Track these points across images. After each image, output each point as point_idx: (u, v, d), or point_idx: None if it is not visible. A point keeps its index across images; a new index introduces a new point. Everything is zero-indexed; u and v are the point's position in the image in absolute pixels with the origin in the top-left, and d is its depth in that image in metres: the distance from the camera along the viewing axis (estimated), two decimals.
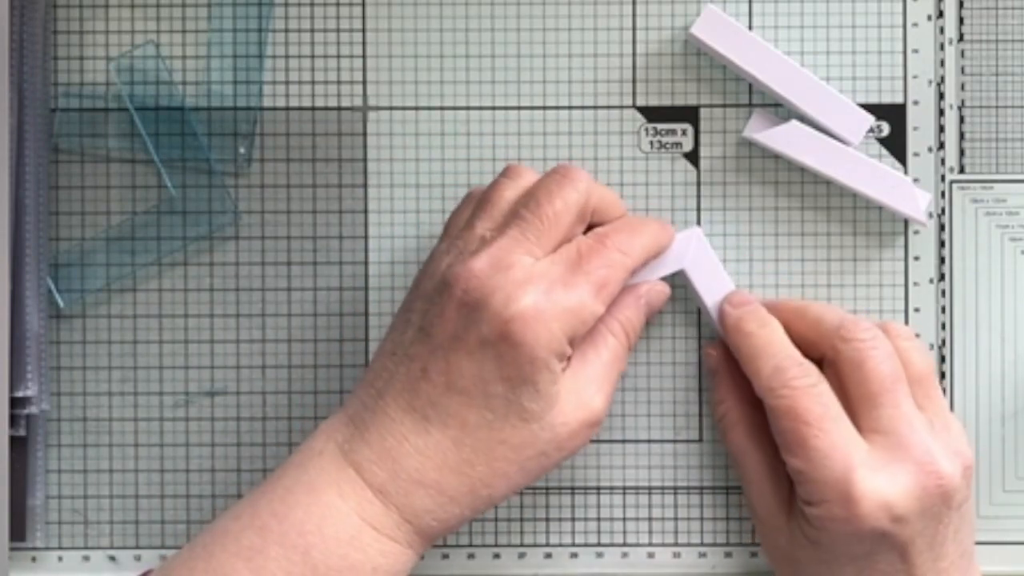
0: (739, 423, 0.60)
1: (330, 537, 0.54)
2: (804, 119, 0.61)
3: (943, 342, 0.63)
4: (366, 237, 0.63)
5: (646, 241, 0.58)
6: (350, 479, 0.54)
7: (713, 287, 0.61)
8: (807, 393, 0.56)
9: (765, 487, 0.59)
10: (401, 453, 0.54)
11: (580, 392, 0.56)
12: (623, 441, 0.63)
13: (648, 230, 0.58)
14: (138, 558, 0.63)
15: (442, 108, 0.63)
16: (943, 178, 0.63)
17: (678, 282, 0.61)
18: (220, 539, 0.54)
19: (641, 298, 0.59)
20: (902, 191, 0.61)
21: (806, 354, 0.58)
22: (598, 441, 0.63)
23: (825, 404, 0.56)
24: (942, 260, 0.63)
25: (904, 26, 0.62)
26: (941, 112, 0.63)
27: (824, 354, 0.58)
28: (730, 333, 0.60)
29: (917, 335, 0.62)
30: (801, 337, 0.59)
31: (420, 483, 0.54)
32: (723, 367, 0.61)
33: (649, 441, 0.63)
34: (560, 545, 0.63)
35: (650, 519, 0.63)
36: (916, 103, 0.63)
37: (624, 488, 0.63)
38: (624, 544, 0.63)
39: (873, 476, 0.55)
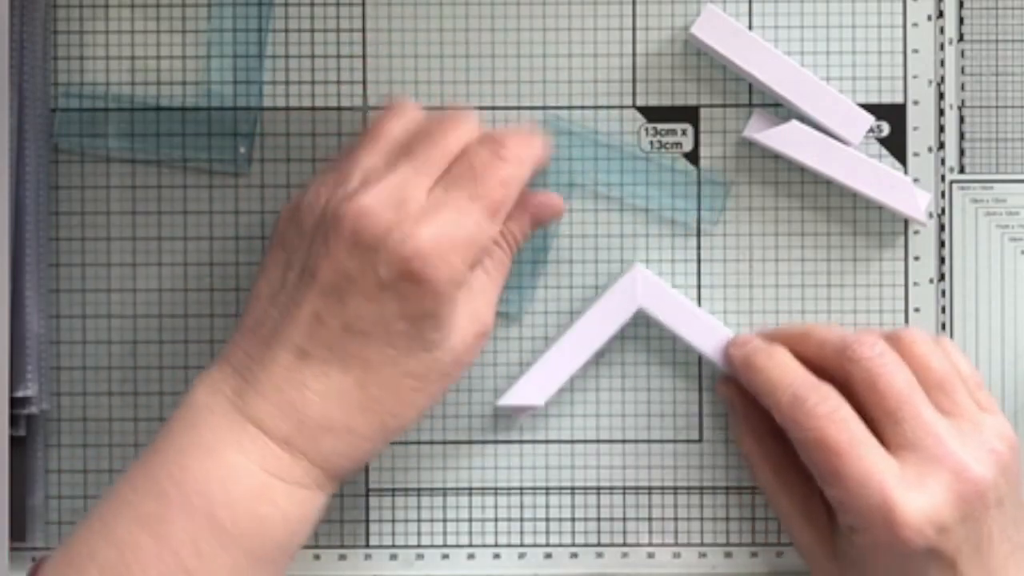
0: (765, 460, 0.60)
1: (235, 495, 0.52)
2: (804, 119, 0.61)
3: None
4: None
5: (536, 149, 0.56)
6: (251, 435, 0.53)
7: (678, 316, 0.61)
8: (831, 420, 0.55)
9: (802, 521, 0.59)
10: (304, 403, 0.53)
11: (471, 306, 0.55)
12: (623, 441, 0.63)
13: (535, 137, 0.57)
14: None
15: (442, 108, 0.63)
16: (943, 178, 0.63)
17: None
18: (117, 509, 0.52)
19: (527, 211, 0.58)
20: (902, 191, 0.61)
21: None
22: (598, 441, 0.63)
23: (851, 429, 0.55)
24: (942, 260, 0.63)
25: (904, 26, 0.62)
26: (941, 112, 0.63)
27: (834, 376, 0.57)
28: (742, 373, 0.59)
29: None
30: (808, 363, 0.58)
31: (328, 428, 0.53)
32: (738, 403, 0.60)
33: (649, 441, 0.63)
34: (560, 545, 0.63)
35: (650, 519, 0.63)
36: (916, 103, 0.63)
37: (624, 488, 0.63)
38: (624, 544, 0.63)
39: (911, 495, 0.54)
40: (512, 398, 0.61)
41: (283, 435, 0.53)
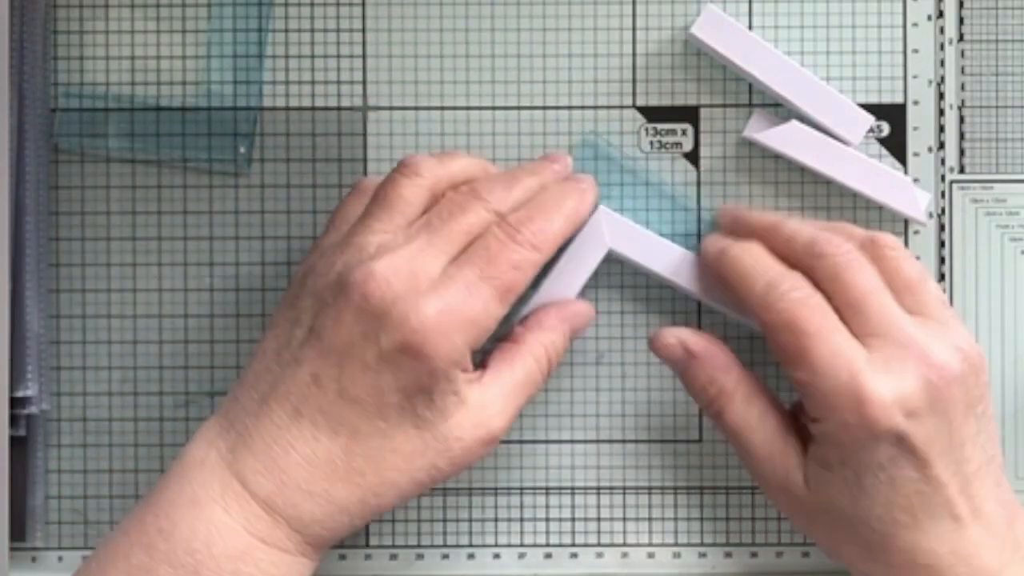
0: (735, 394, 0.58)
1: (219, 555, 0.53)
2: (804, 119, 0.61)
3: None
4: None
5: (561, 225, 0.57)
6: (235, 493, 0.53)
7: (647, 250, 0.61)
8: (803, 304, 0.55)
9: (776, 448, 0.57)
10: (288, 463, 0.53)
11: (483, 409, 0.55)
12: (623, 441, 0.63)
13: (565, 208, 0.57)
14: None
15: (442, 108, 0.63)
16: (943, 178, 0.63)
17: (663, 284, 0.61)
18: (111, 556, 0.53)
19: (566, 321, 0.58)
20: (902, 191, 0.61)
21: None
22: (598, 441, 0.63)
23: (822, 312, 0.55)
24: (942, 260, 0.63)
25: (904, 26, 0.62)
26: (941, 112, 0.63)
27: (802, 272, 0.57)
28: (715, 263, 0.59)
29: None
30: (778, 256, 0.58)
31: (308, 493, 0.53)
32: (698, 345, 0.58)
33: (649, 441, 0.63)
34: (560, 545, 0.63)
35: (650, 519, 0.63)
36: (916, 103, 0.63)
37: (624, 488, 0.63)
38: (624, 544, 0.63)
39: (879, 376, 0.54)
40: None
41: (265, 495, 0.53)
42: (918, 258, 0.63)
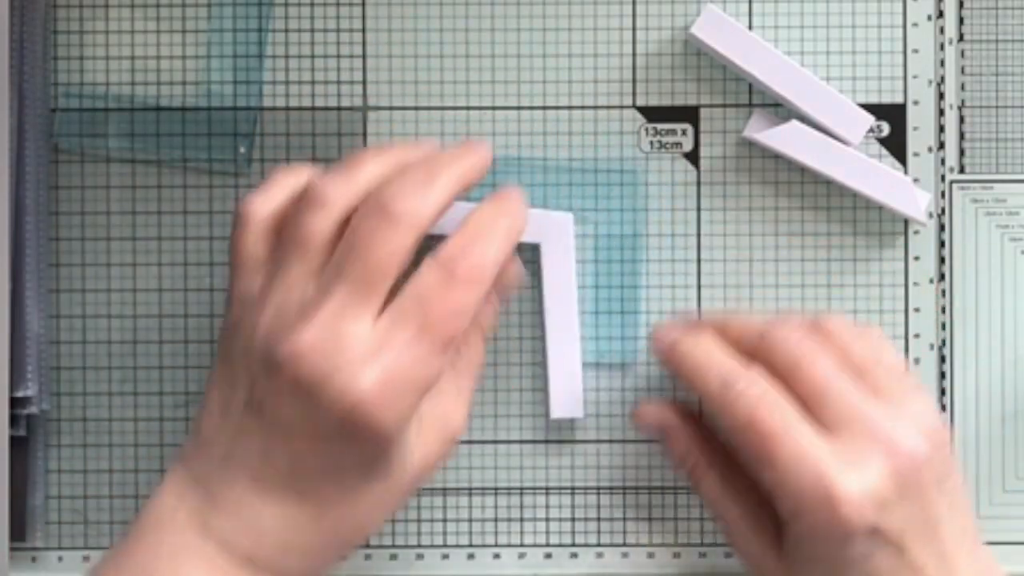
0: (710, 471, 0.58)
1: None
2: (804, 119, 0.61)
3: (943, 342, 0.63)
4: None
5: (498, 251, 0.53)
6: (214, 547, 0.52)
7: (558, 281, 0.61)
8: (762, 403, 0.54)
9: (749, 528, 0.57)
10: (262, 525, 0.52)
11: (438, 419, 0.55)
12: (623, 441, 0.63)
13: (499, 230, 0.53)
14: None
15: (442, 108, 0.63)
16: (943, 178, 0.63)
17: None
18: None
19: (493, 289, 0.55)
20: (902, 191, 0.61)
21: None
22: (598, 441, 0.63)
23: (782, 411, 0.54)
24: (942, 260, 0.63)
25: (904, 26, 0.62)
26: (941, 112, 0.63)
27: (757, 364, 0.56)
28: (667, 358, 0.58)
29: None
30: (731, 349, 0.57)
31: (288, 548, 0.53)
32: (672, 421, 0.59)
33: (649, 441, 0.63)
34: (560, 545, 0.63)
35: (650, 519, 0.63)
36: (916, 103, 0.63)
37: (624, 488, 0.63)
38: (624, 544, 0.63)
39: (846, 472, 0.53)
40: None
41: (245, 552, 0.53)
42: (917, 258, 0.63)
